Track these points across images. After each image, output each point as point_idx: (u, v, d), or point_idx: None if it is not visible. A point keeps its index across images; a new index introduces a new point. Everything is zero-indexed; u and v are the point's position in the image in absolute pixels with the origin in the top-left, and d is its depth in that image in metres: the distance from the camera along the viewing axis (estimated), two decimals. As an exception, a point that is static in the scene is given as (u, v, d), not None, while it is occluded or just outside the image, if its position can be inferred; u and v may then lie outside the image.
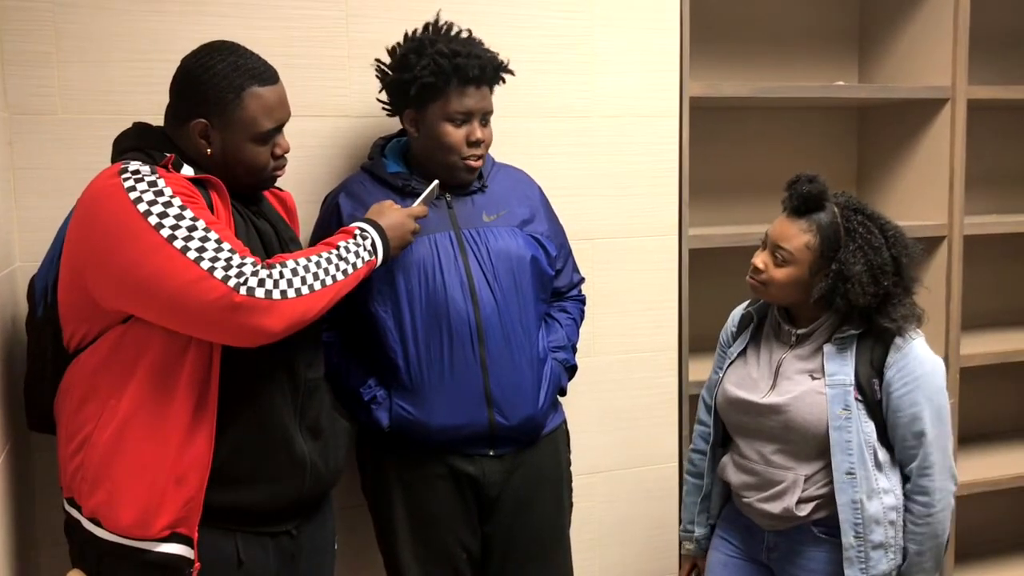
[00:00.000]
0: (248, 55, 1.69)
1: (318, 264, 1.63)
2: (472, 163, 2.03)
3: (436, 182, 1.98)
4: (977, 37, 2.89)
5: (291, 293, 1.56)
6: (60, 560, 1.76)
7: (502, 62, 2.06)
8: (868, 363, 1.92)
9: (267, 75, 1.69)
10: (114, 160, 1.66)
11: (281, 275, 1.56)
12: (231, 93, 1.64)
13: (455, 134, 2.00)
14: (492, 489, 2.06)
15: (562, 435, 2.21)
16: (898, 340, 1.92)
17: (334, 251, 1.68)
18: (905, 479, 1.94)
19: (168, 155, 1.62)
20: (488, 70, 2.01)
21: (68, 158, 2.04)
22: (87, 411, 1.59)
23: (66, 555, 1.69)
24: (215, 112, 1.64)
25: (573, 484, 2.25)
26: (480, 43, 2.04)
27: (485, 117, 2.04)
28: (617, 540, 2.62)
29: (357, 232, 1.76)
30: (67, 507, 1.65)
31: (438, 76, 1.96)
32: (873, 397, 1.91)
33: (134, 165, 1.55)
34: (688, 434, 2.63)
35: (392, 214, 1.85)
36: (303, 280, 1.59)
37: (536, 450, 2.11)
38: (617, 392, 2.57)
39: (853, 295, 1.88)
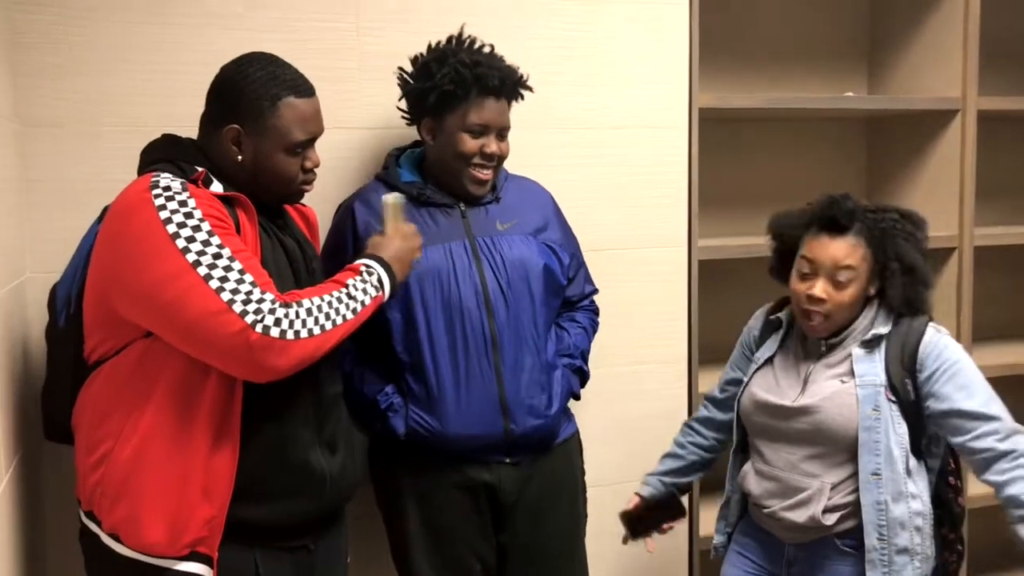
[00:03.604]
0: (287, 67, 1.70)
1: (330, 304, 1.63)
2: (479, 174, 2.03)
3: (400, 196, 1.89)
4: (987, 48, 2.89)
5: (304, 334, 1.56)
6: (70, 569, 1.76)
7: (522, 76, 2.06)
8: (899, 362, 1.91)
9: (304, 88, 1.70)
10: (142, 171, 1.67)
11: (297, 315, 1.56)
12: (267, 101, 1.65)
13: (471, 144, 2.00)
14: (509, 496, 2.05)
15: (575, 444, 2.21)
16: (926, 336, 1.91)
17: (344, 290, 1.67)
18: (990, 463, 1.84)
19: (199, 170, 1.62)
20: (508, 83, 2.03)
21: (79, 170, 2.04)
22: (108, 426, 1.59)
23: (75, 564, 1.70)
24: (249, 119, 1.65)
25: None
26: (502, 58, 2.05)
27: (502, 132, 2.04)
28: (626, 552, 2.60)
29: (363, 269, 1.74)
30: (85, 519, 1.65)
31: (458, 85, 1.97)
32: (907, 397, 1.89)
33: (165, 180, 1.56)
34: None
35: (391, 244, 1.82)
36: (316, 321, 1.59)
37: (551, 458, 2.11)
38: (626, 404, 2.56)
39: (919, 284, 1.93)
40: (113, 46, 2.06)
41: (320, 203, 2.15)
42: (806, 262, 1.94)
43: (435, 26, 2.14)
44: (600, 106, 2.47)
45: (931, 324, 1.94)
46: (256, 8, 2.15)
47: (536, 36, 2.39)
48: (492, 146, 2.01)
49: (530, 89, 2.10)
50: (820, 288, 1.92)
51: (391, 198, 1.86)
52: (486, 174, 2.04)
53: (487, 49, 2.05)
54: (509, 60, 2.10)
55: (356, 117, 2.26)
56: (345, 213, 2.07)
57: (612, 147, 2.49)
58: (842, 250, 1.92)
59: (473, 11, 2.30)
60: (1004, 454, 1.84)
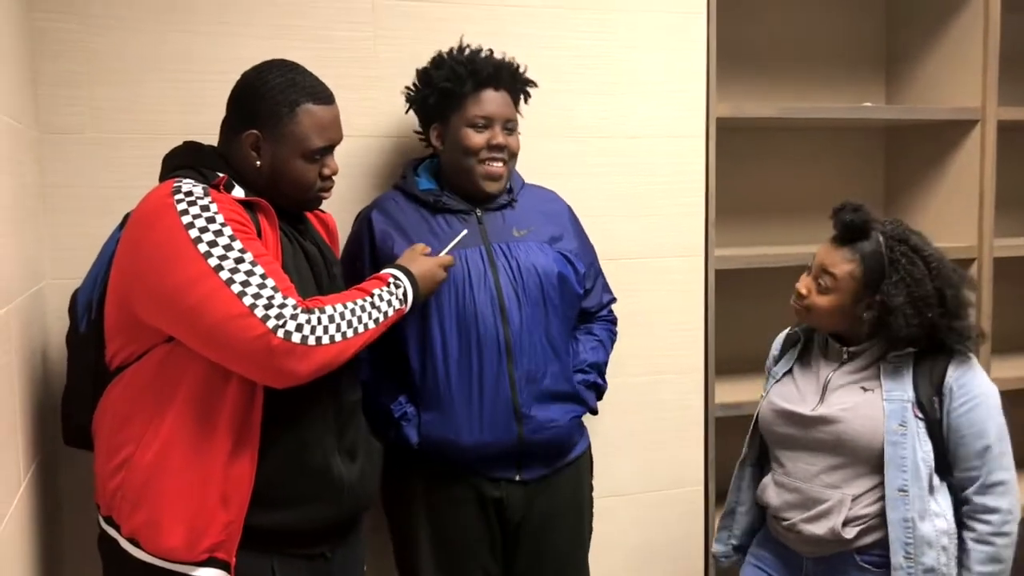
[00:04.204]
0: (307, 74, 1.71)
1: (353, 312, 1.64)
2: (492, 168, 2.03)
3: (465, 231, 1.99)
4: (1007, 58, 2.87)
5: (325, 340, 1.57)
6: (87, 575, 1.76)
7: (518, 67, 2.08)
8: (927, 381, 1.89)
9: (323, 95, 1.71)
10: (163, 178, 1.68)
11: (319, 320, 1.56)
12: (285, 107, 1.66)
13: (476, 137, 2.01)
14: (515, 513, 2.04)
15: (586, 461, 2.20)
16: (957, 358, 1.90)
17: (368, 299, 1.69)
18: (963, 503, 1.88)
19: (221, 175, 1.63)
20: (504, 73, 2.04)
21: (97, 176, 2.05)
22: (129, 431, 1.59)
23: (93, 570, 1.70)
24: (268, 124, 1.66)
25: (597, 507, 2.23)
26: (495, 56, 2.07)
27: (508, 125, 2.05)
28: (641, 564, 2.59)
29: (391, 280, 1.77)
30: (104, 525, 1.65)
31: (454, 81, 2.00)
32: (933, 416, 1.88)
33: (187, 185, 1.56)
34: (715, 457, 2.60)
35: (423, 262, 1.87)
36: (338, 328, 1.60)
37: (560, 477, 2.10)
38: (642, 414, 2.55)
39: (896, 327, 1.87)
40: (134, 55, 2.07)
41: (337, 210, 2.15)
42: (813, 258, 2.00)
43: (452, 35, 2.14)
44: (618, 115, 2.47)
45: (967, 352, 1.92)
46: (275, 17, 2.16)
47: (554, 46, 2.39)
48: (499, 138, 2.02)
49: (533, 83, 2.13)
50: (804, 283, 1.98)
51: (466, 233, 2.00)
52: (498, 167, 2.04)
53: (484, 52, 2.07)
54: (527, 69, 2.11)
55: (373, 125, 2.26)
56: (363, 222, 2.08)
57: (629, 156, 2.48)
58: (831, 257, 1.94)
59: (490, 20, 2.31)
60: (972, 503, 1.87)
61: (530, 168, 2.25)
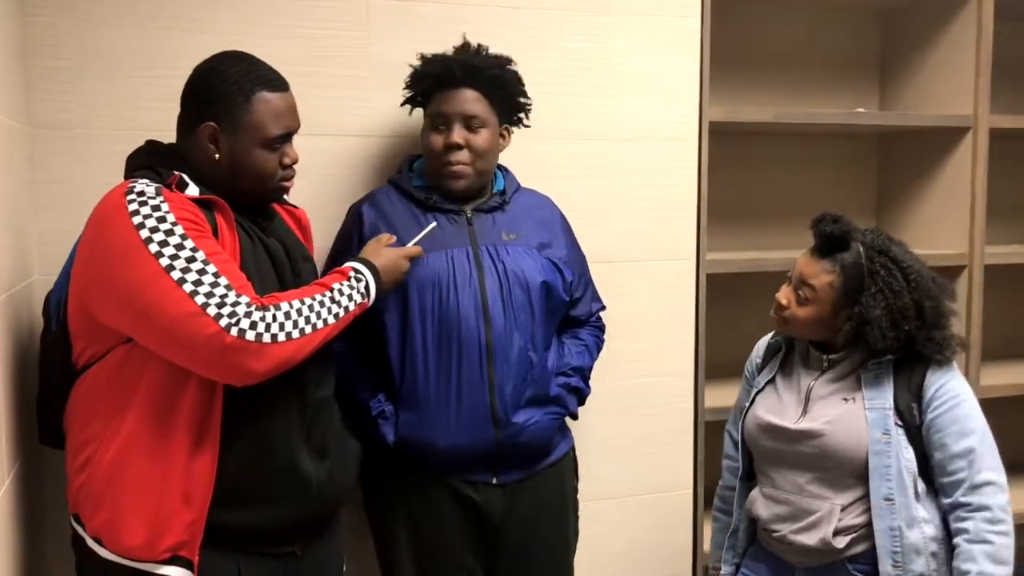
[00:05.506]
0: (259, 64, 1.70)
1: (311, 307, 1.62)
2: (452, 168, 2.01)
3: (434, 223, 1.98)
4: (1000, 66, 2.88)
5: (281, 337, 1.55)
6: (69, 575, 1.75)
7: (476, 64, 2.03)
8: (906, 388, 1.89)
9: (277, 82, 1.69)
10: (126, 177, 1.67)
11: (274, 318, 1.55)
12: (240, 96, 1.64)
13: (435, 138, 2.01)
14: (494, 518, 2.03)
15: (568, 463, 2.18)
16: (935, 365, 1.89)
17: (327, 293, 1.66)
18: (952, 508, 1.85)
19: (174, 174, 1.62)
20: (464, 71, 2.00)
21: (86, 172, 2.04)
22: (91, 430, 1.59)
23: (74, 569, 1.68)
24: (224, 115, 1.64)
25: (585, 510, 2.22)
26: (483, 52, 2.05)
27: (468, 121, 2.01)
28: (630, 567, 2.58)
29: (352, 274, 1.74)
30: (73, 523, 1.65)
31: (414, 84, 2.03)
32: (913, 422, 1.88)
33: (140, 186, 1.56)
34: (704, 460, 2.60)
35: (386, 253, 1.84)
36: (295, 324, 1.57)
37: (540, 480, 2.08)
38: (632, 417, 2.54)
39: (872, 339, 1.86)
40: (123, 51, 2.06)
41: (324, 209, 2.15)
42: (794, 267, 1.99)
43: (445, 35, 2.14)
44: (611, 118, 2.46)
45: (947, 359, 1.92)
46: (265, 14, 2.15)
47: (548, 47, 2.38)
48: (453, 137, 1.99)
49: (500, 75, 2.06)
50: (783, 292, 1.98)
51: (435, 225, 1.98)
52: (458, 168, 2.01)
53: (474, 48, 2.06)
54: (521, 71, 2.10)
55: (366, 125, 2.26)
56: (354, 215, 2.07)
57: (622, 159, 2.48)
58: (809, 267, 1.93)
59: (484, 21, 2.31)
60: (961, 505, 1.84)
61: (523, 170, 2.24)
